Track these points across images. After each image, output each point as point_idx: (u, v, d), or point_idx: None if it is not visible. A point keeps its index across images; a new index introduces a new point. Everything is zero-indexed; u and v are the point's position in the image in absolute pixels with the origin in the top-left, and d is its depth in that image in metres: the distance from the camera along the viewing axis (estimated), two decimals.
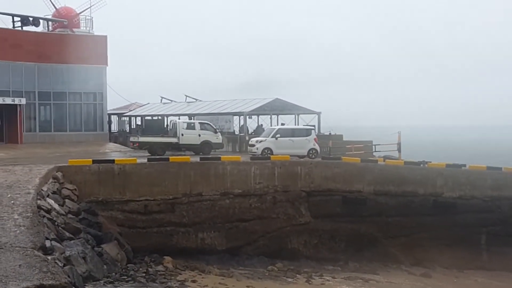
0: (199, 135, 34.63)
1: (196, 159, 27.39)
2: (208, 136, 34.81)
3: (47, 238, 12.47)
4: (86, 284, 13.70)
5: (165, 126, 46.99)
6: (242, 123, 42.79)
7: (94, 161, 24.61)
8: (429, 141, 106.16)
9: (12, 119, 42.41)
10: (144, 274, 18.38)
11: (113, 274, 16.89)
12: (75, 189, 22.53)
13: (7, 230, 11.66)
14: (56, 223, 15.64)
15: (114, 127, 55.91)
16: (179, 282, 18.41)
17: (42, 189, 18.08)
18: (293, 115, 43.02)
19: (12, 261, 9.67)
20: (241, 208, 25.46)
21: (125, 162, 25.42)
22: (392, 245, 26.52)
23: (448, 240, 26.53)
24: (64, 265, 11.80)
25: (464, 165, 29.35)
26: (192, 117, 43.04)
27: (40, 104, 44.81)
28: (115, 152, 38.45)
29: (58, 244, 13.31)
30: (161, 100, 53.89)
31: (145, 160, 26.43)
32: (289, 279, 21.80)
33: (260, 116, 45.98)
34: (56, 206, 17.70)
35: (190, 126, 35.06)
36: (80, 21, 49.20)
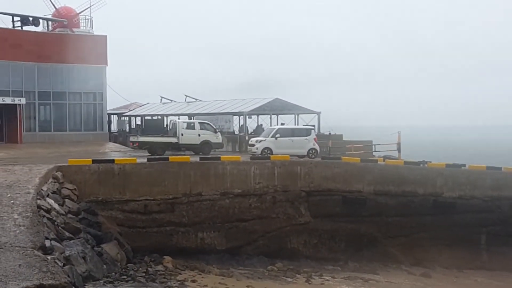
0: (199, 135, 34.60)
1: (196, 159, 27.36)
2: (208, 136, 34.78)
3: (47, 238, 12.45)
4: (86, 284, 13.68)
5: (165, 126, 46.97)
6: (242, 123, 42.84)
7: (94, 161, 24.60)
8: (429, 141, 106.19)
9: (12, 119, 42.44)
10: (144, 274, 18.35)
11: (113, 274, 16.87)
12: (75, 189, 22.53)
13: (7, 230, 11.65)
14: (56, 223, 15.63)
15: (114, 127, 55.94)
16: (179, 282, 18.39)
17: (42, 189, 18.07)
18: (293, 115, 43.07)
19: (12, 260, 9.66)
20: (241, 208, 25.45)
21: (125, 162, 25.42)
22: (392, 245, 26.51)
23: (448, 240, 26.53)
24: (64, 265, 11.77)
25: (464, 165, 29.33)
26: (192, 117, 43.03)
27: (40, 104, 44.83)
28: (115, 152, 38.44)
29: (58, 244, 13.29)
30: (161, 100, 53.90)
31: (145, 160, 26.41)
32: (289, 279, 21.78)
33: (260, 116, 46.01)
34: (56, 205, 17.69)
35: (190, 126, 35.02)
36: (80, 21, 49.22)
